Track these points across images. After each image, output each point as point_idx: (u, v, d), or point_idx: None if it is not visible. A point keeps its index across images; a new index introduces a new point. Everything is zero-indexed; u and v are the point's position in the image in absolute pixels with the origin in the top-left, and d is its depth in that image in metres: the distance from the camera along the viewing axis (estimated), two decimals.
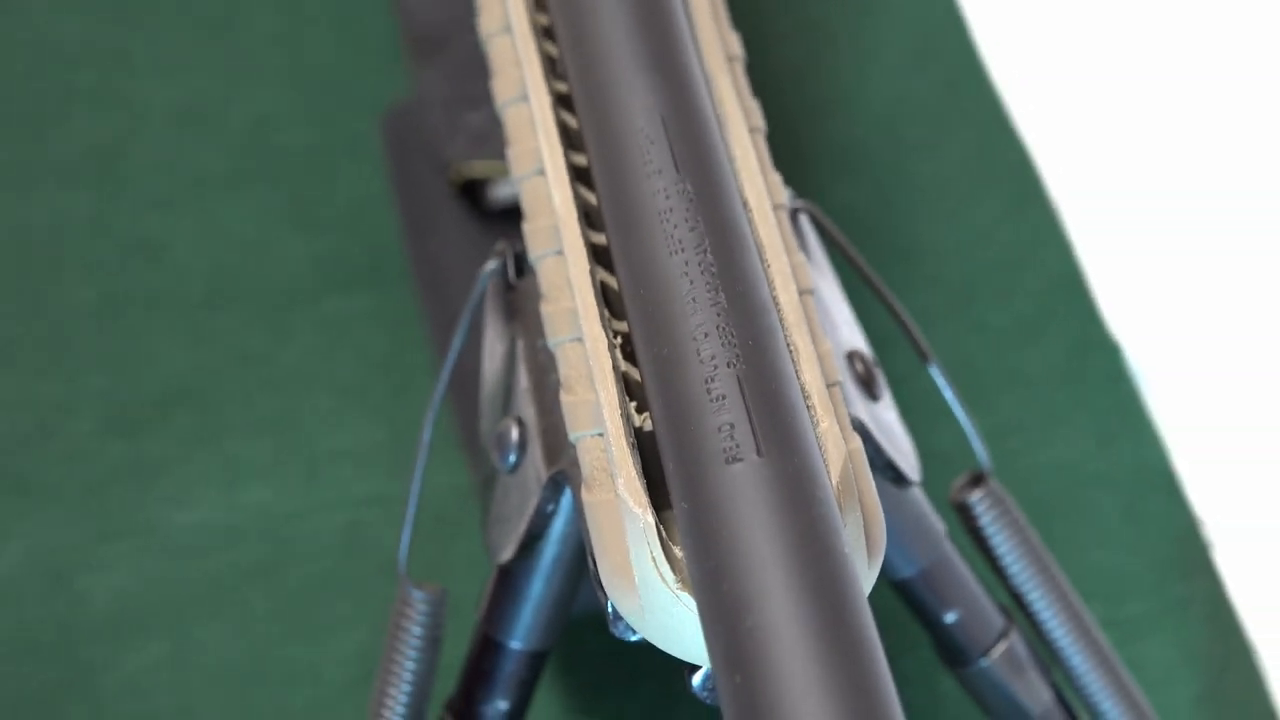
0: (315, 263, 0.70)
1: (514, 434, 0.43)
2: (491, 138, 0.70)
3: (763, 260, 0.39)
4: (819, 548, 0.32)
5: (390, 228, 0.71)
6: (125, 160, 0.73)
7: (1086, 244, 0.70)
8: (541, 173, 0.41)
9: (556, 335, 0.39)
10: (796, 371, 0.37)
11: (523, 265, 0.45)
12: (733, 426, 0.34)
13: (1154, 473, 0.65)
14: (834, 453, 0.36)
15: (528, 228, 0.41)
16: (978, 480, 0.48)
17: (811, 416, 0.36)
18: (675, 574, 0.35)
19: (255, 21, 0.77)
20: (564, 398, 0.38)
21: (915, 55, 0.76)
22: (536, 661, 0.47)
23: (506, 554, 0.44)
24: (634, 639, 0.38)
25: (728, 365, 0.35)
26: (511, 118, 0.43)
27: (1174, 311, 0.69)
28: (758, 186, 0.41)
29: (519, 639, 0.46)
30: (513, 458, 0.43)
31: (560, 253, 0.40)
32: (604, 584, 0.36)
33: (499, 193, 0.69)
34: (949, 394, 0.48)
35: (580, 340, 0.38)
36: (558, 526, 0.43)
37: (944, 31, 0.77)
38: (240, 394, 0.66)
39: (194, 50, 0.76)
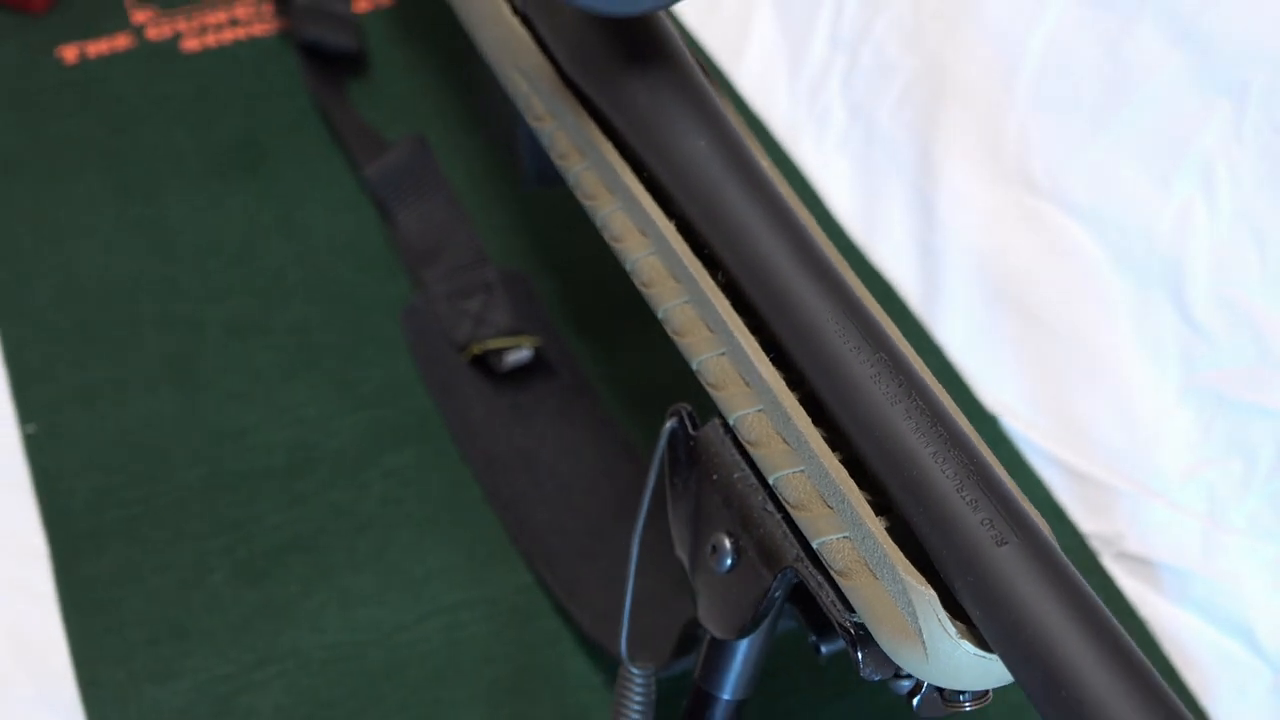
0: (371, 430, 0.87)
1: (727, 544, 0.55)
2: (486, 319, 0.90)
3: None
4: (1084, 594, 0.44)
5: (422, 396, 0.89)
6: (197, 366, 0.90)
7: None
8: (724, 354, 0.54)
9: (778, 470, 0.52)
10: None
11: (696, 421, 0.58)
12: (991, 521, 0.46)
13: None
14: (1044, 527, 0.48)
15: (722, 394, 0.54)
16: None
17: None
18: (955, 629, 0.47)
19: (272, 249, 0.95)
20: (800, 514, 0.51)
21: None
22: (742, 707, 0.60)
23: (734, 632, 0.55)
24: (876, 679, 0.50)
25: (969, 476, 0.47)
26: (686, 313, 0.56)
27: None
28: (910, 350, 0.54)
29: (729, 691, 0.59)
30: (729, 561, 0.55)
31: (762, 410, 0.53)
32: (883, 644, 0.48)
33: (508, 360, 0.88)
34: None
35: (802, 471, 0.51)
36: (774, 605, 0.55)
37: None
38: (339, 539, 0.83)
39: (228, 275, 0.94)
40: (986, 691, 0.49)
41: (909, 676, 0.51)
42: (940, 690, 0.50)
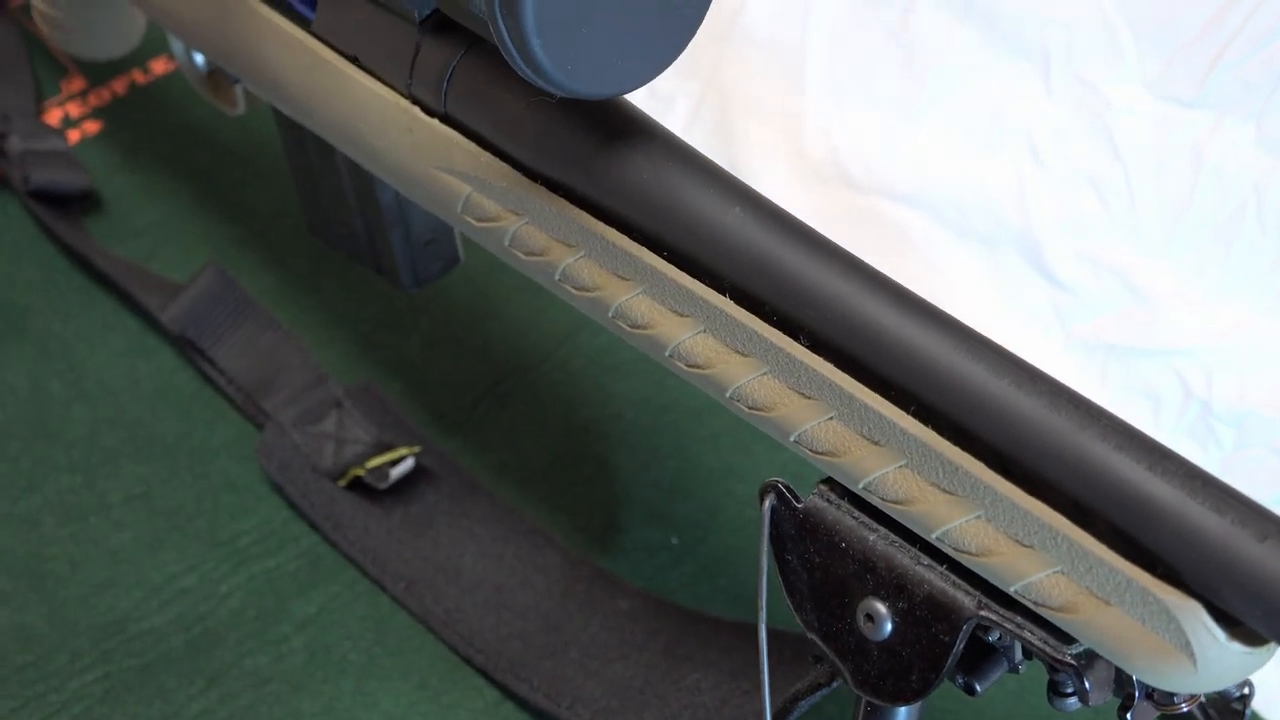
0: (266, 583, 0.80)
1: (882, 609, 0.53)
2: (347, 438, 0.85)
3: None
4: None
5: (307, 534, 0.82)
6: (45, 564, 0.80)
7: None
8: (833, 418, 0.52)
9: (945, 522, 0.50)
10: None
11: (795, 493, 0.55)
12: (1241, 520, 0.45)
13: None
14: None
15: (844, 460, 0.52)
16: None
17: None
18: (1225, 631, 0.46)
19: (75, 417, 0.87)
20: (985, 560, 0.49)
21: None
22: None
23: (910, 696, 0.53)
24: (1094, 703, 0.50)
25: (1193, 482, 0.46)
26: (769, 386, 0.54)
27: None
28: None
29: None
30: (889, 626, 0.53)
31: (906, 465, 0.51)
32: (1133, 667, 0.47)
33: (393, 475, 0.82)
34: None
35: (979, 517, 0.49)
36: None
37: None
38: (276, 707, 0.76)
39: (36, 457, 0.85)
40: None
41: (1123, 691, 0.51)
42: (1151, 695, 0.50)
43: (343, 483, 0.83)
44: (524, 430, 0.87)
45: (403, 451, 0.82)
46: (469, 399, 0.88)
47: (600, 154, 0.58)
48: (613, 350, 0.89)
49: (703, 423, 0.86)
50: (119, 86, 1.02)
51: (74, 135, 1.00)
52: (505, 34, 0.51)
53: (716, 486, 0.84)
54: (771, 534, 0.56)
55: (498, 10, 0.51)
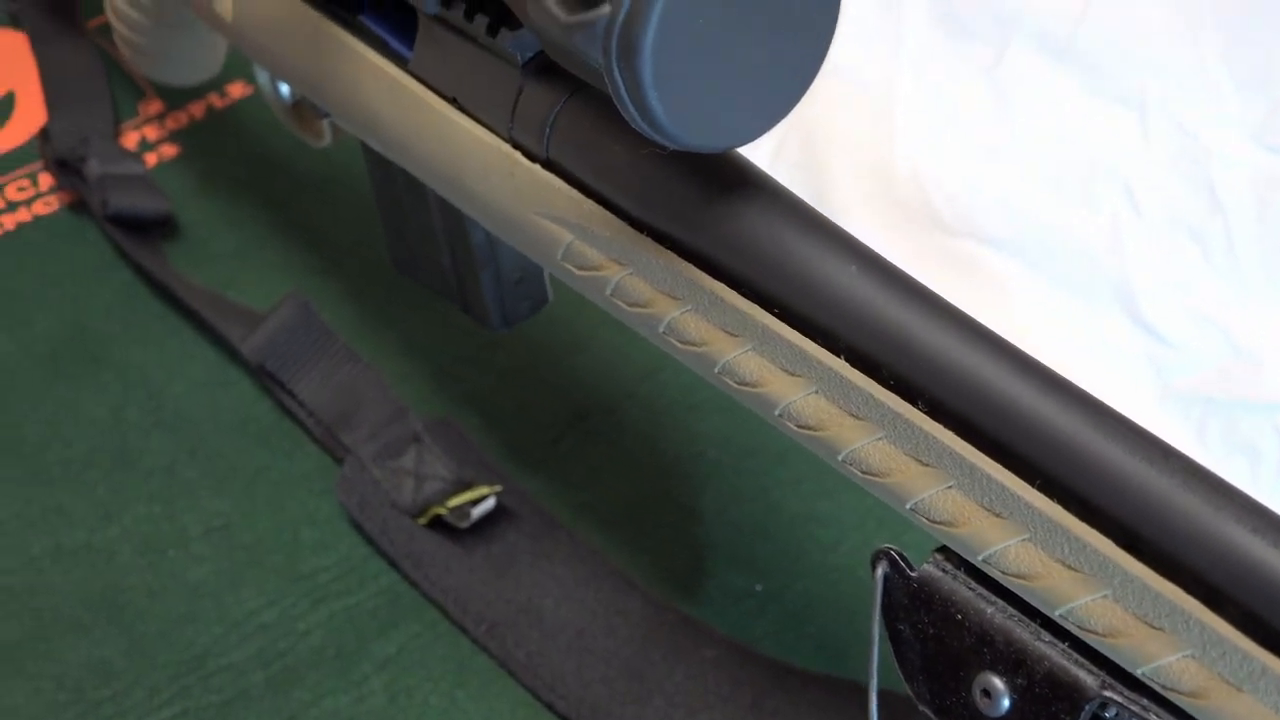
0: (346, 621, 0.79)
1: (999, 684, 0.51)
2: (426, 474, 0.84)
3: None
4: None
5: (387, 572, 0.81)
6: (123, 597, 0.79)
7: None
8: (952, 487, 0.51)
9: (1069, 600, 0.48)
10: None
11: (908, 561, 0.53)
12: None
13: None
14: None
15: (964, 530, 0.51)
16: None
17: None
18: None
19: (154, 446, 0.86)
20: (1113, 641, 0.48)
21: None
22: None
23: None
24: None
25: None
26: (884, 450, 0.53)
27: None
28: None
29: None
30: (1007, 703, 0.51)
31: (1029, 539, 0.49)
32: None
33: (474, 514, 0.81)
34: None
35: (1107, 596, 0.48)
36: None
37: None
38: None
39: (115, 485, 0.84)
40: None
41: None
42: None
43: (423, 520, 0.82)
44: (606, 469, 0.85)
45: (484, 490, 0.81)
46: (550, 435, 0.87)
47: (711, 207, 0.57)
48: (696, 388, 0.88)
49: (787, 465, 0.84)
50: (196, 110, 1.02)
51: (151, 159, 0.99)
52: (621, 86, 0.50)
53: (800, 531, 0.82)
54: (883, 602, 0.54)
55: (615, 63, 0.50)
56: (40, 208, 0.97)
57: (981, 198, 0.88)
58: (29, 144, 0.99)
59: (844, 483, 0.57)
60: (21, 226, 0.96)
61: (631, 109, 0.51)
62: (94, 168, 0.94)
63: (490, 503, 0.81)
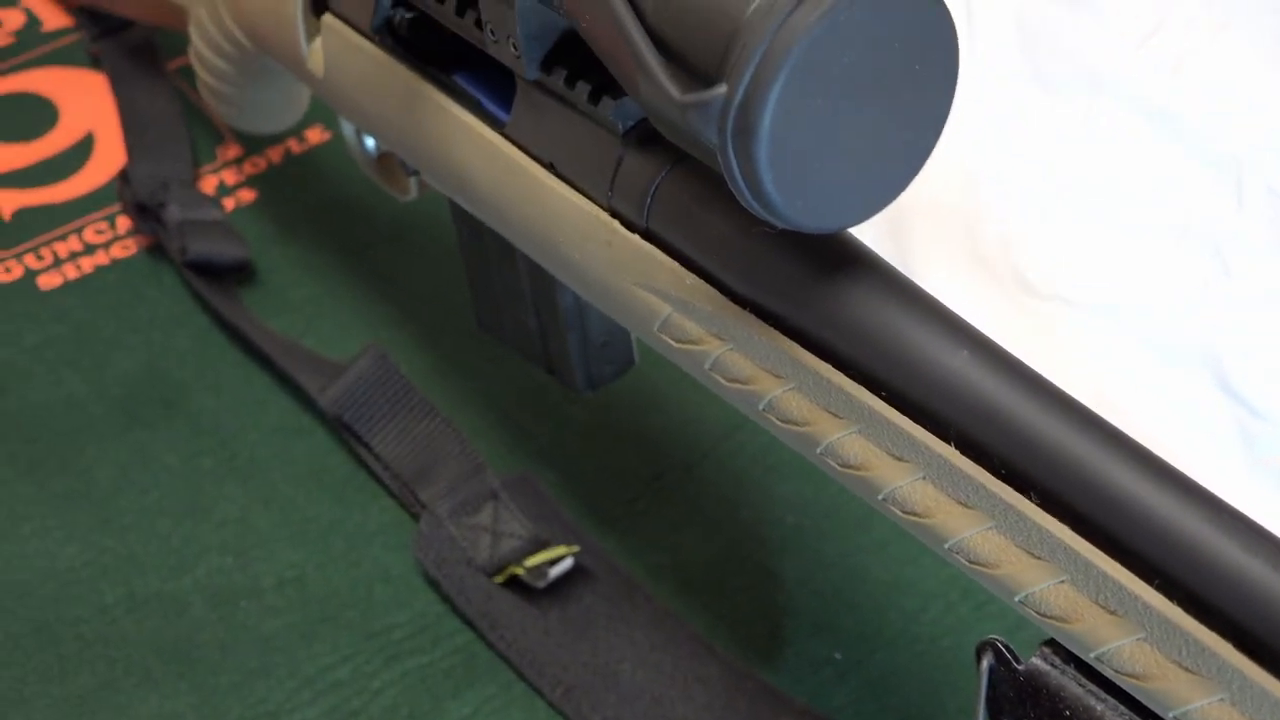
0: (419, 680, 0.78)
1: None
2: (502, 531, 0.83)
3: None
4: None
5: (461, 631, 0.80)
6: (195, 648, 0.79)
7: None
8: (1065, 581, 0.50)
9: (1186, 702, 0.47)
10: None
11: (1015, 653, 0.52)
12: None
13: None
14: None
15: (1077, 627, 0.49)
16: None
17: None
18: None
19: (227, 495, 0.85)
20: None
21: None
22: None
23: None
24: None
25: None
26: (993, 541, 0.52)
27: None
28: None
29: None
30: None
31: (1144, 639, 0.48)
32: None
33: (551, 574, 0.81)
34: None
35: (1222, 700, 0.46)
36: None
37: None
38: None
39: (188, 535, 0.84)
40: None
41: None
42: None
43: (499, 579, 0.81)
44: (685, 530, 0.85)
45: (562, 551, 0.80)
46: (628, 494, 0.86)
47: (818, 286, 0.56)
48: (773, 449, 0.86)
49: (868, 531, 0.83)
50: (275, 155, 1.02)
51: (229, 204, 0.99)
52: (736, 167, 0.50)
53: (883, 599, 0.81)
54: (988, 695, 0.53)
55: (730, 143, 0.49)
56: (118, 251, 0.97)
57: (1070, 259, 0.87)
58: (108, 186, 0.99)
59: (927, 549, 0.56)
60: (99, 269, 0.96)
61: (745, 190, 0.50)
62: (174, 213, 0.94)
63: (568, 563, 0.80)
